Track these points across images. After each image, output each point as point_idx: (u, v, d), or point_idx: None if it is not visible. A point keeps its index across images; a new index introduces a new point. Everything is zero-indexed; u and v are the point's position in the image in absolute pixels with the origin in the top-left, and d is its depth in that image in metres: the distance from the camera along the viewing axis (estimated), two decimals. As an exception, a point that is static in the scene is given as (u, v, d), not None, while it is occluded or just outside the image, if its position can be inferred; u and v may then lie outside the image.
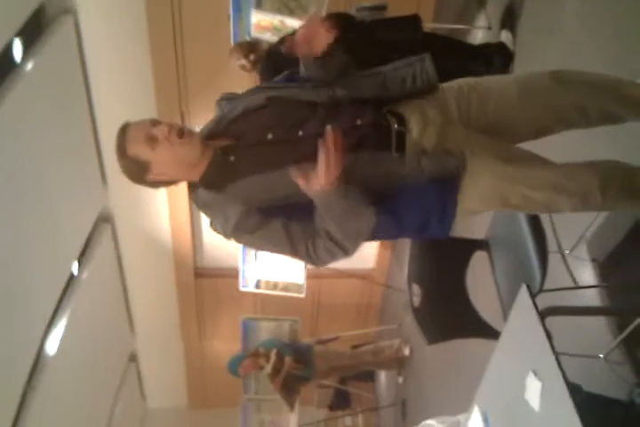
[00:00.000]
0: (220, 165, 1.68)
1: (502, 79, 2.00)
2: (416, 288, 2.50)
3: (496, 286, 2.35)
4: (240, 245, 5.34)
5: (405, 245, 2.52)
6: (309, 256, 1.68)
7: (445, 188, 1.68)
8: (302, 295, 5.65)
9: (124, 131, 1.66)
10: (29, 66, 3.89)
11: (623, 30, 2.54)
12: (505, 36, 3.59)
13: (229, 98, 1.88)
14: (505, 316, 2.01)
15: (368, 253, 6.74)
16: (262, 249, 1.80)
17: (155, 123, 1.65)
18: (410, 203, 1.68)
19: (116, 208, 5.74)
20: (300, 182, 1.57)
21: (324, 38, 1.85)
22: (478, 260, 2.51)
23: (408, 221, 1.69)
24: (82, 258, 5.24)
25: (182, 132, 1.63)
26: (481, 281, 2.47)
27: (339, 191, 1.58)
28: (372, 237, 1.73)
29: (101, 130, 5.01)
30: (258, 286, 5.71)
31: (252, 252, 5.52)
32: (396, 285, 6.20)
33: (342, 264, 6.69)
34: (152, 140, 1.62)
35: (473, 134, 1.78)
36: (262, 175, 1.64)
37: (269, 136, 1.68)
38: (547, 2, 3.22)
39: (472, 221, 4.12)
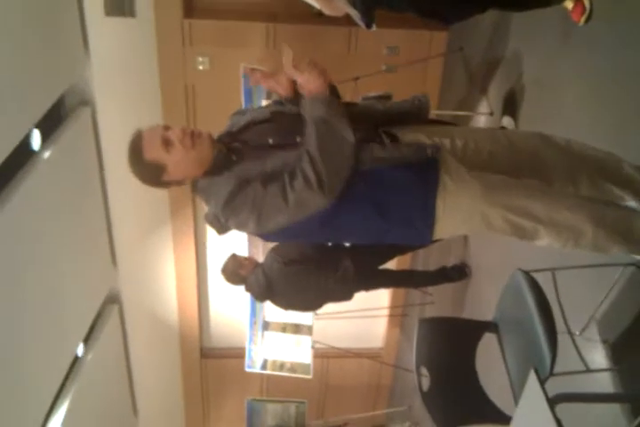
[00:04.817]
0: (222, 162, 1.85)
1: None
2: (424, 371, 2.47)
3: (506, 369, 2.32)
4: (247, 323, 5.33)
5: (414, 323, 2.50)
6: (284, 190, 1.73)
7: (426, 184, 1.78)
8: (309, 377, 5.54)
9: (139, 137, 1.80)
10: (47, 154, 4.02)
11: (625, 115, 2.57)
12: (507, 122, 3.72)
13: (241, 112, 2.07)
14: (516, 400, 1.98)
15: (376, 332, 6.65)
16: (247, 214, 1.80)
17: (167, 127, 1.81)
18: (391, 195, 1.79)
19: (124, 289, 5.75)
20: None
21: (284, 82, 1.94)
22: (488, 341, 2.49)
23: (390, 214, 1.80)
24: (88, 339, 5.19)
25: (194, 136, 1.80)
26: (492, 363, 2.44)
27: (326, 98, 1.77)
28: (357, 233, 1.86)
29: (114, 213, 5.13)
30: (264, 366, 5.61)
31: (259, 332, 5.47)
32: (406, 364, 6.07)
33: (350, 343, 6.51)
34: (167, 144, 1.77)
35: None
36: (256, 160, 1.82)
37: (270, 141, 1.87)
38: (547, 88, 3.29)
39: (480, 302, 4.06)
